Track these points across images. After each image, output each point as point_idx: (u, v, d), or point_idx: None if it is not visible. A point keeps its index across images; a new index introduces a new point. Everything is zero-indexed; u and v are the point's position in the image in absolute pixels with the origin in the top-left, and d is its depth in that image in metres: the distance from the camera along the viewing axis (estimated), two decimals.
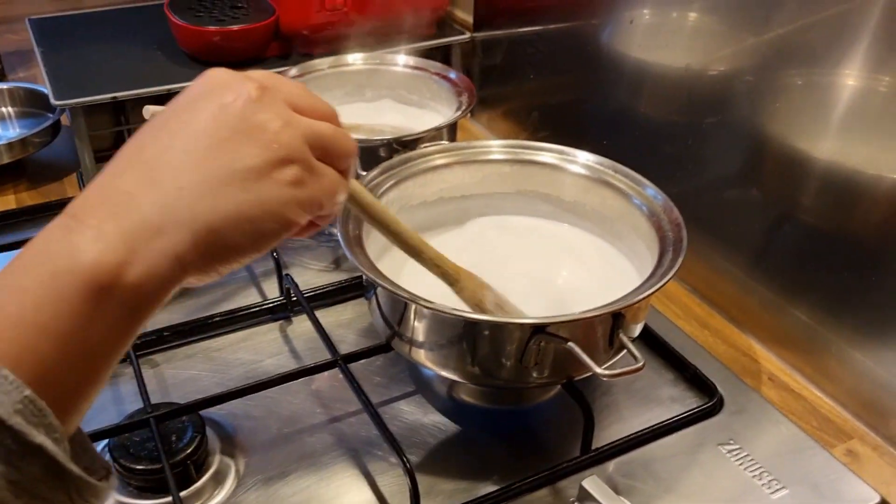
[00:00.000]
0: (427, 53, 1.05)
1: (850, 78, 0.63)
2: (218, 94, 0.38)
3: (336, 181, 0.41)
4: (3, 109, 1.07)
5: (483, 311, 0.57)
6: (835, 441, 0.64)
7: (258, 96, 0.38)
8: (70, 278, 0.32)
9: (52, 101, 0.90)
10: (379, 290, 0.60)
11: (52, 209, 0.90)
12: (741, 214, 0.75)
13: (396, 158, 0.69)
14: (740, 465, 0.60)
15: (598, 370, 0.51)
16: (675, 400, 0.66)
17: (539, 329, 0.53)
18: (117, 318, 0.34)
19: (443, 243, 0.67)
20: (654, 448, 0.61)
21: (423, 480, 0.56)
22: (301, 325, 0.74)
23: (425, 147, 0.70)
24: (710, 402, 0.64)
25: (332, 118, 0.42)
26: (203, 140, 0.37)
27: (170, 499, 0.55)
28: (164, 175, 0.36)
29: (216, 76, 0.39)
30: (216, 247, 0.36)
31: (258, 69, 0.43)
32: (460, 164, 0.70)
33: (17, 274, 0.33)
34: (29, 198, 0.95)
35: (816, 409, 0.67)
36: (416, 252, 0.55)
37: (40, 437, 0.30)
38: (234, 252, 0.37)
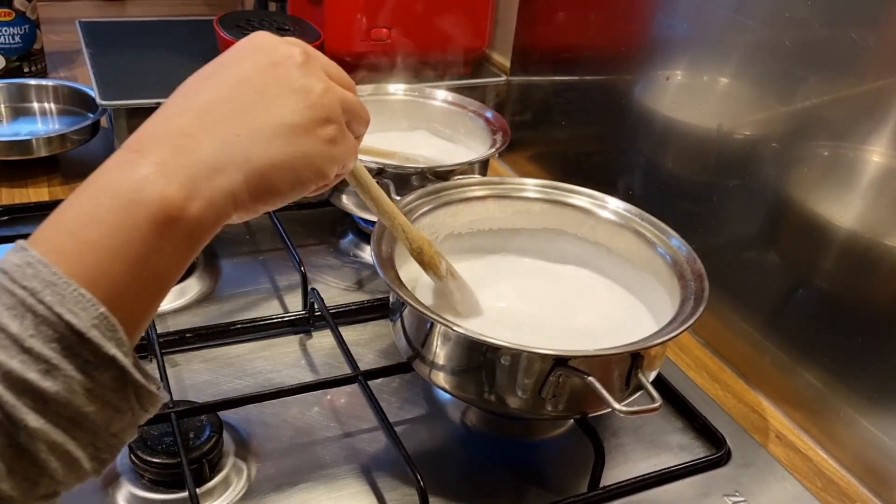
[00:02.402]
0: (462, 92, 1.08)
1: (876, 154, 0.64)
2: (266, 53, 0.43)
3: (355, 145, 0.47)
4: (46, 105, 1.10)
5: (437, 277, 0.63)
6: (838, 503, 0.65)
7: (303, 61, 0.43)
8: (142, 209, 0.36)
9: (98, 100, 0.92)
10: (405, 310, 0.62)
11: None
12: (759, 274, 0.76)
13: (433, 186, 0.71)
14: None
15: (617, 406, 0.52)
16: (683, 448, 0.67)
17: (561, 361, 0.54)
18: (179, 245, 0.37)
19: (466, 270, 0.69)
20: (661, 492, 0.62)
21: (431, 502, 0.57)
22: (320, 341, 0.75)
23: (462, 178, 0.73)
24: (719, 453, 0.65)
25: (353, 89, 0.47)
26: (255, 93, 0.41)
27: (183, 494, 0.56)
28: (220, 121, 0.40)
29: (264, 38, 0.44)
30: (262, 189, 0.41)
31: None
32: (494, 197, 0.72)
33: (89, 204, 0.36)
34: (62, 192, 0.97)
35: (821, 470, 0.68)
36: (390, 218, 0.59)
37: (113, 350, 0.34)
38: (275, 195, 0.42)
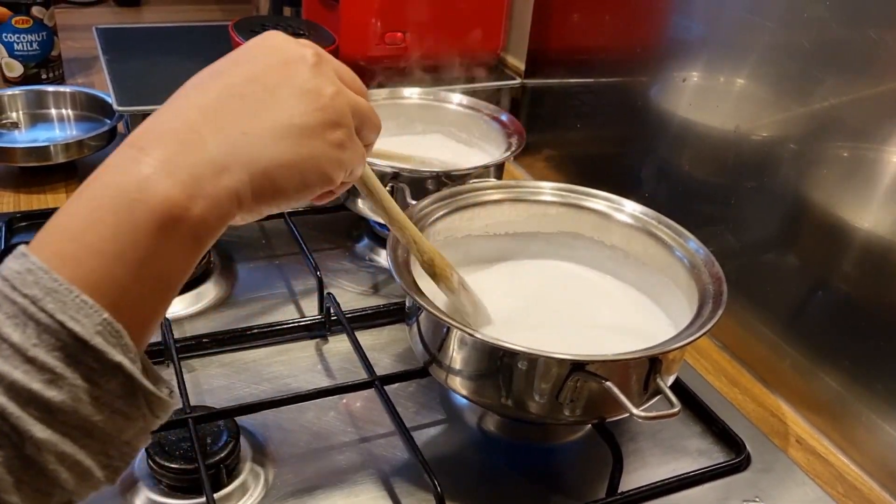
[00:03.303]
0: (477, 95, 1.07)
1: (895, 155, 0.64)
2: (279, 52, 0.42)
3: (363, 152, 0.46)
4: (64, 111, 1.11)
5: (448, 290, 0.61)
6: None
7: (315, 62, 0.42)
8: (144, 209, 0.34)
9: (115, 106, 0.93)
10: (422, 315, 0.62)
11: None
12: (777, 277, 0.76)
13: (448, 190, 0.71)
14: None
15: (635, 411, 0.52)
16: (702, 453, 0.66)
17: (578, 366, 0.54)
18: (183, 246, 0.36)
19: (484, 275, 0.69)
20: (680, 498, 0.61)
21: None
22: (336, 345, 0.75)
23: (478, 182, 0.72)
24: (738, 458, 0.64)
25: (365, 94, 0.46)
26: (266, 92, 0.40)
27: (200, 499, 0.56)
28: (228, 118, 0.39)
29: (277, 37, 0.43)
30: (267, 189, 0.39)
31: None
32: (510, 201, 0.72)
33: (89, 205, 0.35)
34: None
35: (843, 475, 0.67)
36: (401, 228, 0.57)
37: (119, 357, 0.33)
38: (280, 196, 0.41)
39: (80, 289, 0.32)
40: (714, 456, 0.66)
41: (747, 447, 0.65)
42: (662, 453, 0.66)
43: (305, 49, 0.43)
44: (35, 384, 0.31)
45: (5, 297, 0.32)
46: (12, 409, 0.31)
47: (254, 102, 0.40)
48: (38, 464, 0.32)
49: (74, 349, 0.32)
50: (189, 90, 0.41)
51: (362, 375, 0.67)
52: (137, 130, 0.38)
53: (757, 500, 0.61)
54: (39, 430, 0.31)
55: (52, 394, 0.31)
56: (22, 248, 0.34)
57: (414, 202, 0.70)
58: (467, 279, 0.63)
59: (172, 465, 0.57)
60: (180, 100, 0.40)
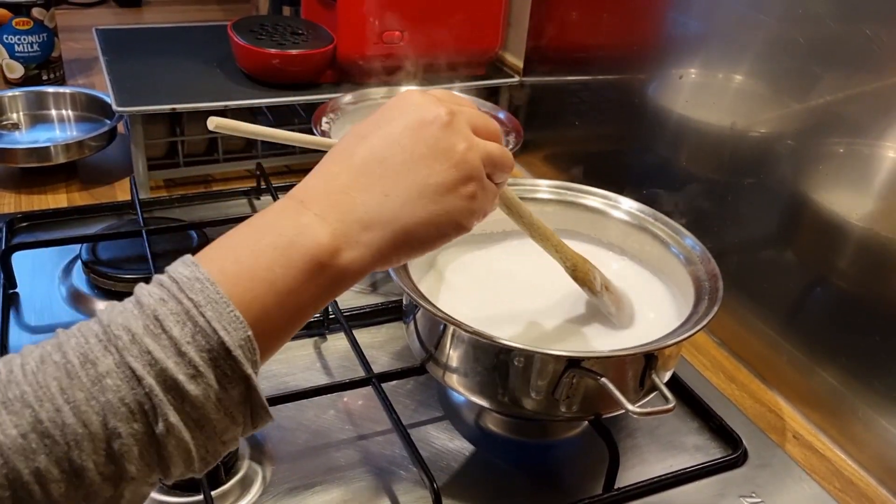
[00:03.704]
0: (476, 93, 1.08)
1: (893, 150, 0.64)
2: (415, 113, 0.46)
3: (495, 192, 0.50)
4: (64, 112, 1.11)
5: (592, 292, 0.63)
6: None
7: (449, 120, 0.46)
8: (300, 250, 0.40)
9: (114, 107, 0.93)
10: (419, 312, 0.62)
11: (101, 211, 0.93)
12: (775, 273, 0.76)
13: None
14: None
15: (630, 407, 0.52)
16: (698, 449, 0.66)
17: (574, 363, 0.54)
18: (324, 287, 0.42)
19: (478, 271, 0.69)
20: (677, 494, 0.62)
21: None
22: (335, 343, 0.75)
23: None
24: (735, 454, 0.64)
25: (497, 138, 0.50)
26: (404, 154, 0.45)
27: (198, 497, 0.57)
28: (373, 181, 0.44)
29: (412, 98, 0.47)
30: (406, 243, 0.44)
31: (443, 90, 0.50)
32: None
33: (253, 237, 0.41)
34: (80, 198, 0.98)
35: (840, 471, 0.67)
36: (544, 238, 0.61)
37: (249, 370, 0.38)
38: (417, 248, 0.46)
39: (234, 305, 0.37)
40: (711, 452, 0.66)
41: (744, 443, 0.66)
42: (660, 449, 0.66)
43: (440, 108, 0.46)
44: (181, 375, 0.36)
45: (172, 296, 0.37)
46: (158, 391, 0.35)
47: (394, 165, 0.44)
48: (161, 444, 0.36)
49: (218, 354, 0.37)
50: (340, 152, 0.46)
51: (360, 373, 0.67)
52: (300, 186, 0.44)
53: (753, 495, 0.62)
54: (173, 415, 0.36)
55: (192, 387, 0.36)
56: (190, 257, 0.39)
57: None
58: (466, 274, 0.63)
59: None
60: (333, 164, 0.45)
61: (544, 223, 0.60)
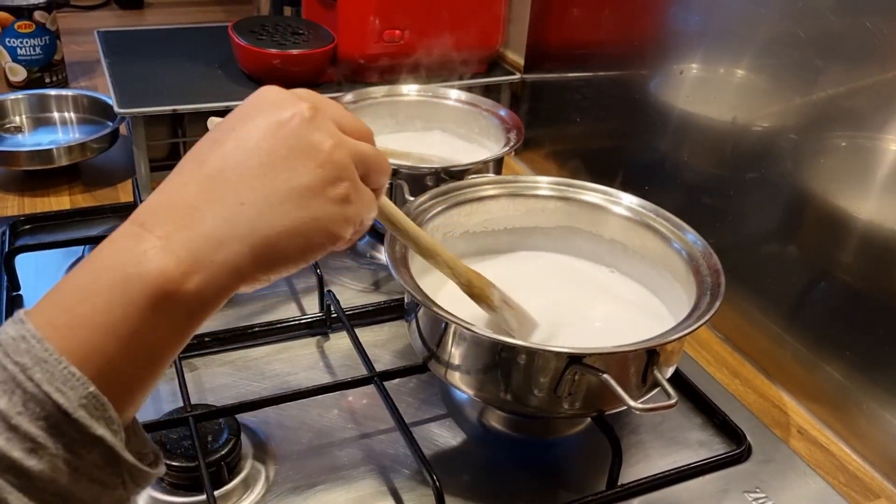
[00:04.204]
0: (477, 91, 1.08)
1: (895, 143, 0.64)
2: (273, 111, 0.40)
3: (372, 198, 0.44)
4: (66, 114, 1.12)
5: (490, 308, 0.60)
6: (862, 499, 0.64)
7: (311, 116, 0.40)
8: (139, 284, 0.35)
9: (116, 109, 0.93)
10: (420, 310, 0.62)
11: (104, 212, 0.93)
12: (778, 268, 0.75)
13: (445, 186, 0.71)
14: None
15: (632, 403, 0.52)
16: (702, 444, 0.66)
17: (575, 359, 0.54)
18: (177, 321, 0.36)
19: (480, 269, 0.69)
20: (680, 490, 0.61)
21: (449, 502, 0.57)
22: (337, 342, 0.75)
23: (475, 177, 0.72)
24: (739, 450, 0.64)
25: (370, 139, 0.45)
26: (261, 157, 0.39)
27: (201, 497, 0.57)
28: (226, 190, 0.38)
29: (270, 94, 0.41)
30: (270, 258, 0.39)
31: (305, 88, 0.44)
32: (508, 196, 0.72)
33: (88, 277, 0.36)
34: (83, 200, 0.98)
35: (844, 465, 0.67)
36: (432, 255, 0.57)
37: (101, 430, 0.33)
38: (285, 263, 0.40)
39: (70, 359, 0.33)
40: (715, 447, 0.66)
41: (748, 438, 0.65)
42: (663, 445, 0.66)
43: (300, 103, 0.40)
44: (15, 452, 0.32)
45: None
46: None
47: (251, 170, 0.39)
48: None
49: (57, 420, 0.32)
50: (189, 161, 0.40)
51: (362, 372, 0.67)
52: (141, 207, 0.38)
53: (758, 490, 0.61)
54: (15, 498, 0.32)
55: (32, 463, 0.32)
56: (21, 313, 0.34)
57: (412, 198, 0.70)
58: None
59: (173, 464, 0.58)
60: (181, 173, 0.40)
61: (431, 238, 0.57)
